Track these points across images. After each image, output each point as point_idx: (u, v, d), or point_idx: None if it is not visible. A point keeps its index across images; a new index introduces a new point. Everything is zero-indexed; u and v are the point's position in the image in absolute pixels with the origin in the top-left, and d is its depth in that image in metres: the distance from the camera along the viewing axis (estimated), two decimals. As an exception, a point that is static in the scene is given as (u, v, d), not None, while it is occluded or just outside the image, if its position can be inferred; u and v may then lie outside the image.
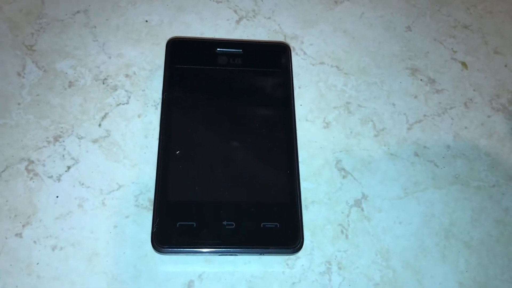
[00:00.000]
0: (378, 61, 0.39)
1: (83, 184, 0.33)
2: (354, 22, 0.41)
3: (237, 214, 0.31)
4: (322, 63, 0.39)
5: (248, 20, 0.40)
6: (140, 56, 0.37)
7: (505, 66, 0.40)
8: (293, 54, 0.38)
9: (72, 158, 0.33)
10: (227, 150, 0.33)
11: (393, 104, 0.38)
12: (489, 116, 0.38)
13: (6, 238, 0.31)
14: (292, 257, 0.32)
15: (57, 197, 0.32)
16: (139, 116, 0.35)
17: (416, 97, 0.38)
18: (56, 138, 0.34)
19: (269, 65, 0.37)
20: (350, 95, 0.38)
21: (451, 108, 0.38)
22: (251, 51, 0.37)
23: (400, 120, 0.37)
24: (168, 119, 0.33)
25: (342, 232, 0.33)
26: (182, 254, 0.30)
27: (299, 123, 0.36)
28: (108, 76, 0.36)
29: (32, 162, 0.33)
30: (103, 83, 0.36)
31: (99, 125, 0.35)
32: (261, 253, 0.31)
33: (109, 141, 0.34)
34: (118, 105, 0.35)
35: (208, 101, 0.35)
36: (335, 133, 0.36)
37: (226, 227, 0.30)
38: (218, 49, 0.36)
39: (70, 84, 0.36)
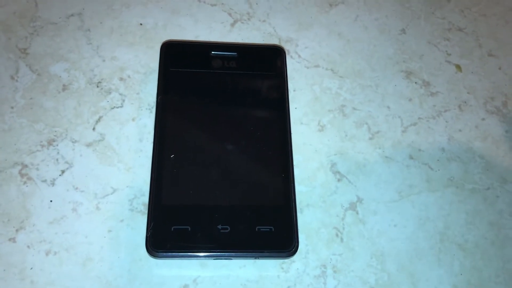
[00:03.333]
0: (373, 64, 0.39)
1: (77, 188, 0.32)
2: (349, 25, 0.41)
3: (232, 218, 0.31)
4: (317, 66, 0.39)
5: (242, 23, 0.40)
6: (135, 59, 0.37)
7: (499, 68, 0.40)
8: (288, 57, 0.38)
9: (66, 162, 0.33)
10: (222, 153, 0.33)
11: (388, 107, 0.38)
12: (483, 119, 0.38)
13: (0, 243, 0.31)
14: (287, 260, 0.32)
15: (51, 201, 0.32)
16: (133, 119, 0.35)
17: (410, 100, 0.38)
18: (50, 142, 0.34)
19: (263, 68, 0.37)
20: (345, 98, 0.38)
21: (445, 110, 0.38)
22: (246, 54, 0.37)
23: (395, 123, 0.37)
24: (163, 122, 0.33)
25: (337, 235, 0.33)
26: (177, 258, 0.30)
27: (294, 126, 0.36)
28: (102, 79, 0.36)
29: (26, 166, 0.33)
30: (97, 87, 0.36)
31: (93, 128, 0.34)
32: (256, 257, 0.30)
33: (103, 145, 0.34)
34: (112, 108, 0.35)
35: (203, 105, 0.35)
36: (330, 136, 0.36)
37: (221, 231, 0.30)
38: (212, 52, 0.36)
39: (64, 88, 0.36)
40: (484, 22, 0.42)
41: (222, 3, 0.40)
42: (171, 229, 0.30)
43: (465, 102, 0.39)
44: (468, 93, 0.39)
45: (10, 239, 0.31)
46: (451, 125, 0.37)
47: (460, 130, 0.37)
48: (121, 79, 0.36)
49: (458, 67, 0.40)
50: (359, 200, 0.34)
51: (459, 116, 0.38)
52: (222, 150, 0.33)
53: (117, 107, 0.35)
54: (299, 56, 0.39)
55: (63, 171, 0.33)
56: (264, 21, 0.40)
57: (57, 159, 0.33)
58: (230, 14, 0.40)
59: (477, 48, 0.41)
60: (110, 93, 0.36)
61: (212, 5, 0.40)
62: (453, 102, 0.38)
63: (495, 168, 0.36)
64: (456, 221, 0.34)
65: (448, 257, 0.33)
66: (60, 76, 0.36)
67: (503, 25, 0.42)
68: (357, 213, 0.34)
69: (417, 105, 0.38)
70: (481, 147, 0.37)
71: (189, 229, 0.30)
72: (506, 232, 0.34)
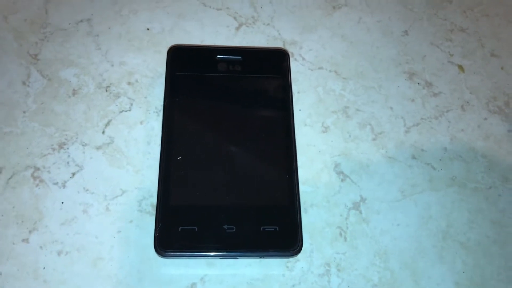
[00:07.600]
0: (375, 65, 0.40)
1: (87, 190, 0.33)
2: (352, 27, 0.41)
3: (238, 218, 0.31)
4: (320, 68, 0.39)
5: (247, 26, 0.41)
6: (142, 63, 0.38)
7: (502, 68, 0.41)
8: (292, 59, 0.39)
9: (77, 165, 0.34)
10: (228, 155, 0.34)
11: (391, 108, 0.38)
12: (485, 119, 0.38)
13: (13, 244, 0.31)
14: (292, 259, 0.32)
15: (62, 203, 0.33)
16: (141, 122, 0.36)
17: (413, 100, 0.39)
18: (61, 145, 0.35)
19: (268, 71, 0.37)
20: (348, 100, 0.38)
21: (448, 111, 0.38)
22: (251, 58, 0.37)
23: (398, 124, 0.38)
24: (170, 125, 0.34)
25: (340, 234, 0.33)
26: (184, 257, 0.31)
27: (298, 128, 0.36)
28: (111, 83, 0.37)
29: (38, 169, 0.34)
30: (106, 91, 0.37)
31: (103, 132, 0.35)
32: (261, 256, 0.31)
33: (113, 148, 0.35)
34: (121, 112, 0.36)
35: (209, 107, 0.35)
36: (334, 137, 0.37)
37: (227, 231, 0.31)
38: (218, 56, 0.37)
39: (74, 92, 0.37)
40: (487, 22, 0.43)
41: (227, 7, 0.41)
42: (178, 230, 0.31)
43: (468, 102, 0.39)
44: (470, 93, 0.39)
45: (23, 240, 0.32)
46: (453, 125, 0.38)
47: (462, 130, 0.38)
48: (129, 83, 0.37)
49: (461, 67, 0.40)
50: (363, 199, 0.35)
51: (462, 116, 0.38)
52: (227, 151, 0.34)
53: (126, 111, 0.36)
54: (303, 58, 0.40)
55: (73, 174, 0.34)
56: (268, 24, 0.41)
57: (68, 162, 0.34)
58: (235, 18, 0.41)
59: (480, 48, 0.41)
60: (118, 97, 0.37)
61: (218, 9, 0.41)
62: (456, 102, 0.39)
63: (497, 167, 0.37)
64: (459, 220, 0.34)
65: (451, 255, 0.33)
66: (70, 81, 0.37)
67: (505, 25, 0.43)
68: (361, 212, 0.34)
69: (419, 106, 0.38)
70: (484, 147, 0.37)
71: (196, 229, 0.31)
72: (508, 231, 0.34)
